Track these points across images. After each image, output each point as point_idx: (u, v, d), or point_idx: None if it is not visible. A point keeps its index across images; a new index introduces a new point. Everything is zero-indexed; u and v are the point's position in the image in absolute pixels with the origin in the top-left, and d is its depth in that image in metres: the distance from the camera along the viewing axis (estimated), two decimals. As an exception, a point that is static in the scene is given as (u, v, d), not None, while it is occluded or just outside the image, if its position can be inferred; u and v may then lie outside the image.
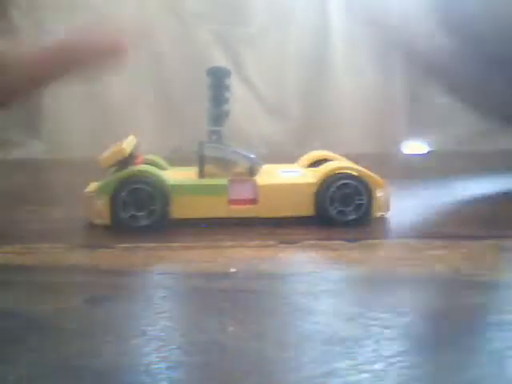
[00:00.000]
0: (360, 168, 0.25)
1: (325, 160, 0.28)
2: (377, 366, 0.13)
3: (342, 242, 0.23)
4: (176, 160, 0.29)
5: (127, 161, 0.25)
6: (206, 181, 0.25)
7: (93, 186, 0.26)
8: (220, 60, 0.53)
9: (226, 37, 0.53)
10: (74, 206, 0.28)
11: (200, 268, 0.20)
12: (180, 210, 0.25)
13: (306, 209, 0.25)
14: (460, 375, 0.12)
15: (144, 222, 0.24)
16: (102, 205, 0.24)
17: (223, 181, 0.25)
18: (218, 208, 0.25)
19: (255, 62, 0.54)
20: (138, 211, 0.24)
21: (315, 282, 0.18)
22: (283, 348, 0.14)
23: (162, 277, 0.19)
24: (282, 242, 0.23)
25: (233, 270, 0.19)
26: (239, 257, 0.21)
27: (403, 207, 0.29)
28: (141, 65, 0.53)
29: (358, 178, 0.25)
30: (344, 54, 0.56)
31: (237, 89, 0.51)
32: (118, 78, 0.53)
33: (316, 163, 0.28)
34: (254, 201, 0.25)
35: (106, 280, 0.19)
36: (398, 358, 0.13)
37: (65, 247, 0.22)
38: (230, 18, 0.53)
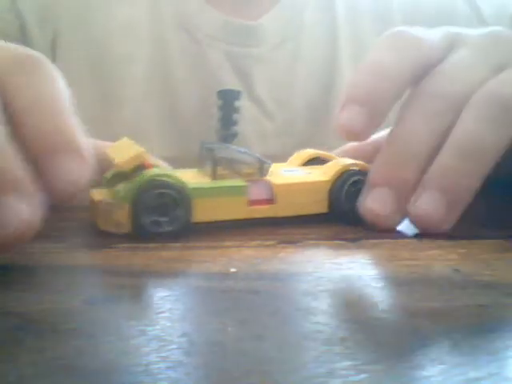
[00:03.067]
0: (367, 165, 0.26)
1: (318, 158, 0.28)
2: (377, 366, 0.13)
3: (342, 241, 0.23)
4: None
5: (142, 166, 0.24)
6: (226, 182, 0.25)
7: (101, 193, 0.25)
8: (231, 79, 0.53)
9: (237, 57, 0.53)
10: (74, 207, 0.28)
11: (200, 268, 0.20)
12: (201, 213, 0.24)
13: (321, 206, 0.26)
14: (460, 375, 0.12)
15: (167, 228, 0.23)
16: (122, 213, 0.23)
17: (242, 182, 0.25)
18: (238, 209, 0.25)
19: (265, 82, 0.54)
20: (162, 217, 0.23)
21: (315, 282, 0.18)
22: (283, 348, 0.14)
23: (162, 277, 0.19)
24: (281, 242, 0.23)
25: (233, 269, 0.19)
26: (239, 257, 0.21)
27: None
28: (153, 83, 0.54)
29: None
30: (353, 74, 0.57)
31: (247, 108, 0.51)
32: (130, 98, 0.53)
33: (308, 162, 0.28)
34: (271, 201, 0.25)
35: (106, 280, 0.19)
36: (398, 358, 0.13)
37: (65, 247, 0.22)
38: (242, 38, 0.54)
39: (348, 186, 0.25)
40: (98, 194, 0.25)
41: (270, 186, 0.26)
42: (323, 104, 0.55)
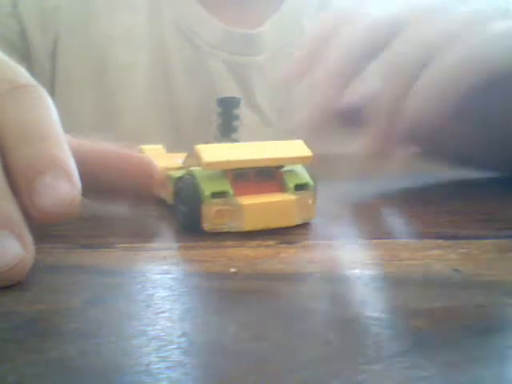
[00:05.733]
0: None
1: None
2: (377, 366, 0.13)
3: (342, 241, 0.23)
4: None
5: None
6: None
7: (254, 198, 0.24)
8: (231, 87, 0.53)
9: (237, 65, 0.54)
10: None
11: (200, 268, 0.20)
12: None
13: None
14: (460, 376, 0.12)
15: None
16: (312, 203, 0.25)
17: None
18: None
19: (265, 89, 0.55)
20: None
21: (315, 282, 0.18)
22: (283, 348, 0.14)
23: (162, 277, 0.19)
24: (282, 242, 0.23)
25: (233, 270, 0.19)
26: (239, 257, 0.21)
27: (403, 208, 0.29)
28: (153, 90, 0.54)
29: None
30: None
31: (246, 115, 0.52)
32: (130, 105, 0.53)
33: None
34: None
35: (105, 280, 0.19)
36: (398, 358, 0.13)
37: (65, 247, 0.22)
38: (242, 47, 0.54)
39: None
40: (252, 199, 0.24)
41: None
42: None
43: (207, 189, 0.24)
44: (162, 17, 0.55)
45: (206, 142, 0.25)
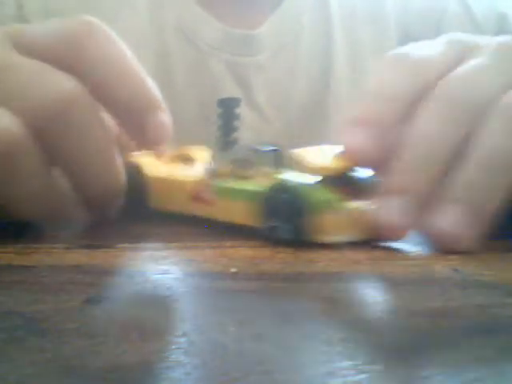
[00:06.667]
0: None
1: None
2: (377, 366, 0.13)
3: (342, 242, 0.23)
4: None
5: None
6: None
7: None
8: (231, 88, 0.53)
9: (237, 66, 0.54)
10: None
11: (200, 268, 0.20)
12: None
13: None
14: (460, 376, 0.12)
15: None
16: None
17: None
18: None
19: (264, 88, 0.55)
20: None
21: (315, 282, 0.18)
22: (283, 348, 0.14)
23: (162, 277, 0.19)
24: (282, 242, 0.23)
25: (233, 269, 0.19)
26: (239, 257, 0.21)
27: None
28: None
29: None
30: (350, 79, 0.58)
31: (245, 114, 0.52)
32: None
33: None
34: None
35: (105, 280, 0.19)
36: (398, 358, 0.13)
37: (65, 247, 0.22)
38: (242, 48, 0.54)
39: None
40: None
41: None
42: (319, 109, 0.56)
43: (321, 198, 0.22)
44: (163, 18, 0.55)
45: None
